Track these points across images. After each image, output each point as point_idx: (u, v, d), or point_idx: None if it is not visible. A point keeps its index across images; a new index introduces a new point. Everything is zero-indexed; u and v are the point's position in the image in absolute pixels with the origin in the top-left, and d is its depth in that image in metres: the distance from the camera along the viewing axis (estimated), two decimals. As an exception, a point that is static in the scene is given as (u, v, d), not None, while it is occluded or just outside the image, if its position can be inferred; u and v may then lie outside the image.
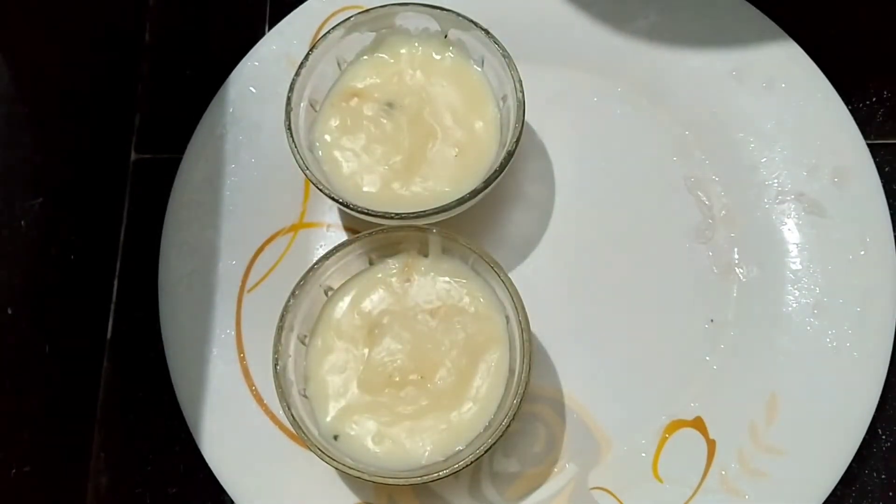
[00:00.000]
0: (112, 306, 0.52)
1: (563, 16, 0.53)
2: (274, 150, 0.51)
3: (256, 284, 0.49)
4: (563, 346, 0.48)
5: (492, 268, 0.43)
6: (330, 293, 0.46)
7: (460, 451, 0.42)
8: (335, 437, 0.43)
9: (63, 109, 0.54)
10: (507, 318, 0.44)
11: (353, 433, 0.43)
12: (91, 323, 0.51)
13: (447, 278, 0.45)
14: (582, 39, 0.53)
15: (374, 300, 0.45)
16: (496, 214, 0.51)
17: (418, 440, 0.43)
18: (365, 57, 0.50)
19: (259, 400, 0.47)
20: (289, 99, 0.47)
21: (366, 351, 0.44)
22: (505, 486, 0.46)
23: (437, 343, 0.44)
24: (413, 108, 0.48)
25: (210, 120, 0.52)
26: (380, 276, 0.46)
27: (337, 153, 0.48)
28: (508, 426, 0.41)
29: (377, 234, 0.45)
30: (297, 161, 0.46)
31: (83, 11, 0.56)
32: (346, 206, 0.45)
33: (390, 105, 0.48)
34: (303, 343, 0.45)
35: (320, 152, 0.48)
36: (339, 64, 0.49)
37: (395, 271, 0.46)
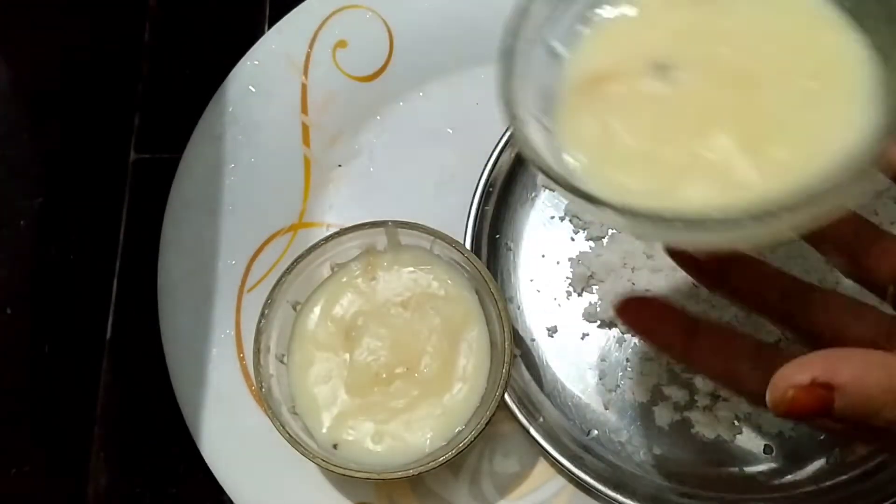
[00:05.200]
0: (112, 306, 0.52)
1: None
2: (273, 149, 0.51)
3: (256, 284, 0.49)
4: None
5: (452, 246, 0.44)
6: (298, 307, 0.45)
7: (461, 431, 0.42)
8: (334, 446, 0.43)
9: (63, 109, 0.54)
10: (477, 292, 0.44)
11: (350, 438, 0.43)
12: (91, 323, 0.51)
13: (411, 268, 0.45)
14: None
15: (345, 304, 0.45)
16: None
17: (417, 431, 0.43)
18: None
19: (259, 400, 0.47)
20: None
21: (347, 356, 0.44)
22: (505, 486, 0.46)
23: (416, 332, 0.44)
24: None
25: (209, 119, 0.52)
26: (344, 280, 0.46)
27: None
28: (503, 397, 0.42)
29: (331, 238, 0.44)
30: None
31: (83, 11, 0.56)
32: None
33: None
34: (282, 362, 0.44)
35: None
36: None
37: (358, 272, 0.46)
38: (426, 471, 0.41)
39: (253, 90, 0.52)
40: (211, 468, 0.46)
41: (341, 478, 0.45)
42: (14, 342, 0.48)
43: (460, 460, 0.46)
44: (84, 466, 0.49)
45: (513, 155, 0.49)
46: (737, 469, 0.44)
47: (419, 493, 0.46)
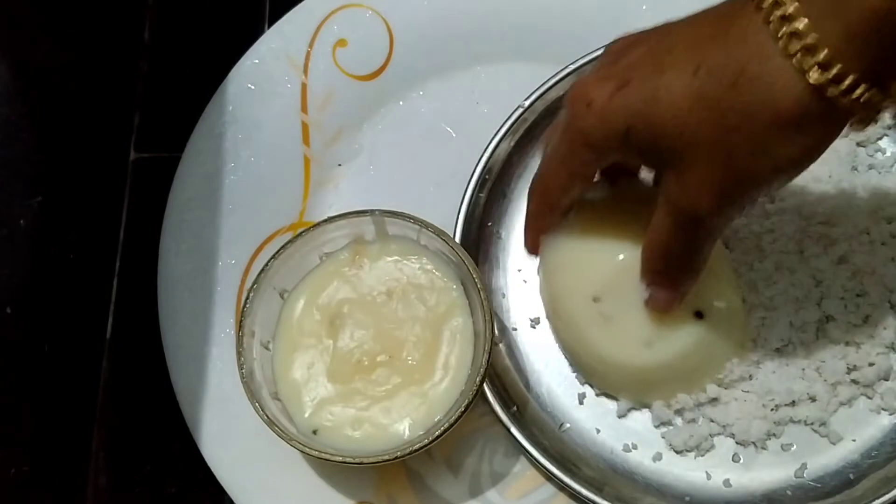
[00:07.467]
0: (112, 306, 0.52)
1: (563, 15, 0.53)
2: (273, 148, 0.51)
3: (256, 284, 0.49)
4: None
5: (438, 236, 0.44)
6: (285, 295, 0.46)
7: (439, 420, 0.42)
8: (314, 432, 0.43)
9: (63, 109, 0.54)
10: (462, 282, 0.45)
11: (329, 424, 0.43)
12: (91, 323, 0.51)
13: (397, 257, 0.46)
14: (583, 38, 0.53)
15: (330, 293, 0.45)
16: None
17: (397, 418, 0.43)
18: None
19: (259, 399, 0.47)
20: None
21: (330, 343, 0.44)
22: (505, 486, 0.45)
23: (399, 321, 0.44)
24: None
25: (209, 118, 0.52)
26: (332, 268, 0.46)
27: None
28: (482, 386, 0.42)
29: (318, 226, 0.45)
30: None
31: (83, 11, 0.56)
32: None
33: None
34: (266, 348, 0.45)
35: None
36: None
37: (345, 261, 0.46)
38: (402, 457, 0.41)
39: (253, 89, 0.52)
40: (211, 468, 0.46)
41: (341, 476, 0.45)
42: (14, 342, 0.48)
43: (460, 460, 0.46)
44: (84, 466, 0.49)
45: (511, 144, 0.49)
46: (705, 473, 0.44)
47: (419, 492, 0.46)
